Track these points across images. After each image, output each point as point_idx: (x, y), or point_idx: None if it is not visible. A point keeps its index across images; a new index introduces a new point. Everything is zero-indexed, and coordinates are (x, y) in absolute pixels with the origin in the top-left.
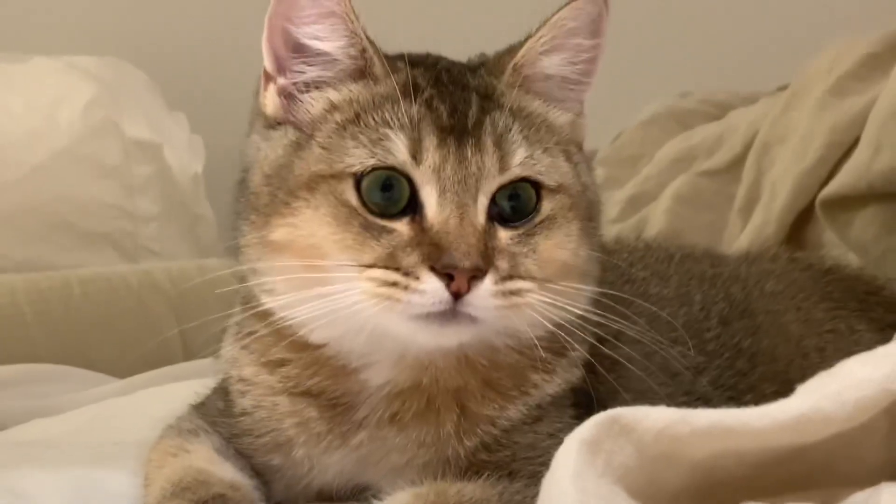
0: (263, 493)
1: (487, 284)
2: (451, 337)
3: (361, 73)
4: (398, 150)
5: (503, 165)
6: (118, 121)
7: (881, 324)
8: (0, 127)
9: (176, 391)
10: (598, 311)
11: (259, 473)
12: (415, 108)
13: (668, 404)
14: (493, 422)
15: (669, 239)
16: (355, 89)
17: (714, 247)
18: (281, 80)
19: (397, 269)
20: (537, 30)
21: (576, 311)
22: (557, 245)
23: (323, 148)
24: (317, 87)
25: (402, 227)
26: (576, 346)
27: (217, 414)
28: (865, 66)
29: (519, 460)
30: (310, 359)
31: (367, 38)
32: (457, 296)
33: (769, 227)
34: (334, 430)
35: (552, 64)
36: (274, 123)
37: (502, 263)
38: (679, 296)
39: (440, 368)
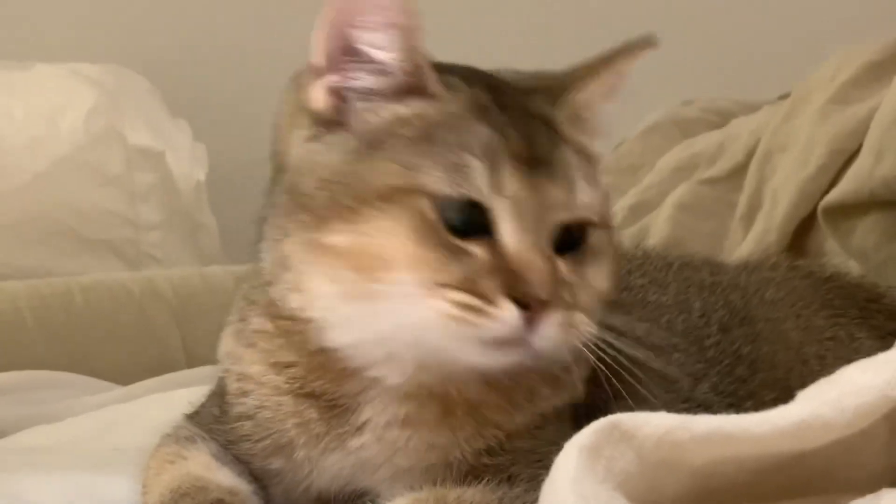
0: (262, 498)
1: (557, 316)
2: (510, 362)
3: (417, 89)
4: (478, 177)
5: (570, 201)
6: (120, 128)
7: (882, 331)
8: (2, 134)
9: (178, 398)
10: (610, 330)
11: (257, 479)
12: (489, 133)
13: (668, 411)
14: (501, 426)
15: (671, 247)
16: (421, 106)
17: (716, 255)
18: (332, 78)
19: (475, 294)
20: (596, 70)
21: (594, 331)
22: (602, 276)
23: (395, 162)
24: (373, 97)
25: (479, 250)
26: (584, 362)
27: (212, 421)
28: (867, 74)
29: (519, 465)
30: (318, 361)
31: (425, 55)
32: (529, 324)
33: (771, 234)
34: (331, 432)
35: (605, 107)
36: (323, 122)
37: (567, 295)
38: (678, 303)
39: (464, 379)
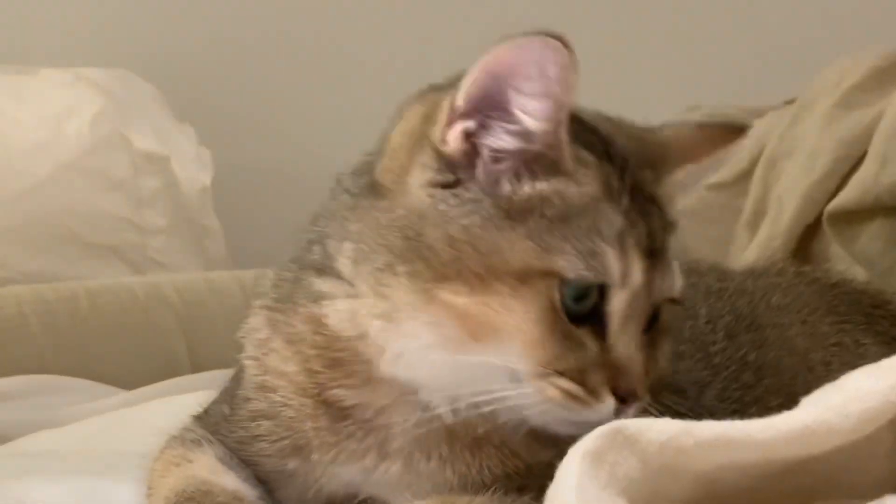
0: (267, 502)
1: (638, 405)
2: (582, 433)
3: (552, 162)
4: (611, 265)
5: (670, 288)
6: (126, 133)
7: (887, 337)
8: (7, 139)
9: (183, 402)
10: None
11: (264, 482)
12: (620, 219)
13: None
14: (525, 459)
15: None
16: (560, 184)
17: (721, 261)
18: (469, 125)
19: (583, 384)
20: (697, 156)
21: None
22: (668, 353)
23: (534, 242)
24: (507, 158)
25: (589, 340)
26: None
27: (221, 420)
28: (872, 80)
29: (534, 476)
30: (360, 382)
31: (567, 130)
32: (617, 413)
33: (776, 240)
34: (341, 444)
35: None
36: (450, 165)
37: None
38: (684, 309)
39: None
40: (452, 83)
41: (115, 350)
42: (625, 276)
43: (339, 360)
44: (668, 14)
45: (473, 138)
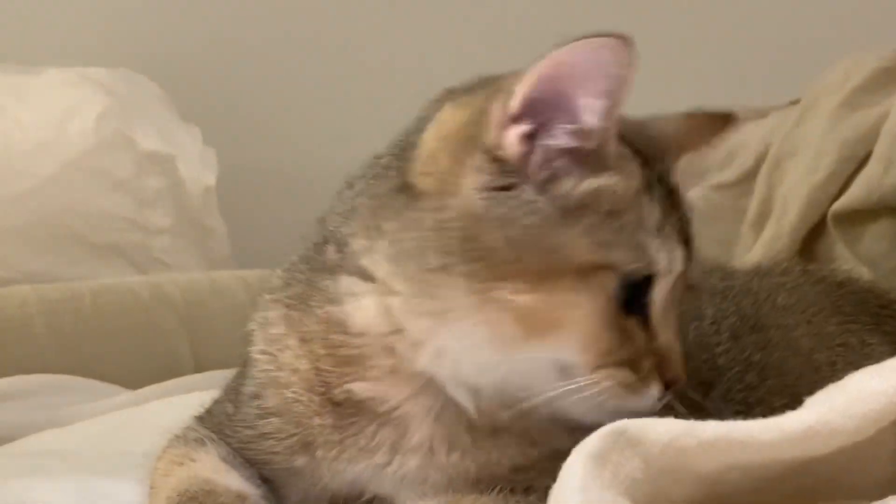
0: (271, 502)
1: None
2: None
3: (600, 159)
4: (658, 257)
5: (696, 275)
6: (130, 133)
7: (894, 337)
8: (11, 138)
9: (186, 402)
10: None
11: (268, 481)
12: (660, 211)
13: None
14: (540, 449)
15: None
16: (609, 179)
17: (726, 261)
18: (525, 128)
19: (636, 374)
20: (696, 145)
21: None
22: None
23: (591, 238)
24: (562, 159)
25: (637, 330)
26: None
27: (225, 419)
28: (877, 80)
29: (546, 468)
30: (378, 372)
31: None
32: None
33: (781, 240)
34: (345, 441)
35: None
36: (506, 169)
37: None
38: (689, 310)
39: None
40: (484, 84)
41: (117, 350)
42: (669, 264)
43: (358, 356)
44: (671, 15)
45: (530, 140)
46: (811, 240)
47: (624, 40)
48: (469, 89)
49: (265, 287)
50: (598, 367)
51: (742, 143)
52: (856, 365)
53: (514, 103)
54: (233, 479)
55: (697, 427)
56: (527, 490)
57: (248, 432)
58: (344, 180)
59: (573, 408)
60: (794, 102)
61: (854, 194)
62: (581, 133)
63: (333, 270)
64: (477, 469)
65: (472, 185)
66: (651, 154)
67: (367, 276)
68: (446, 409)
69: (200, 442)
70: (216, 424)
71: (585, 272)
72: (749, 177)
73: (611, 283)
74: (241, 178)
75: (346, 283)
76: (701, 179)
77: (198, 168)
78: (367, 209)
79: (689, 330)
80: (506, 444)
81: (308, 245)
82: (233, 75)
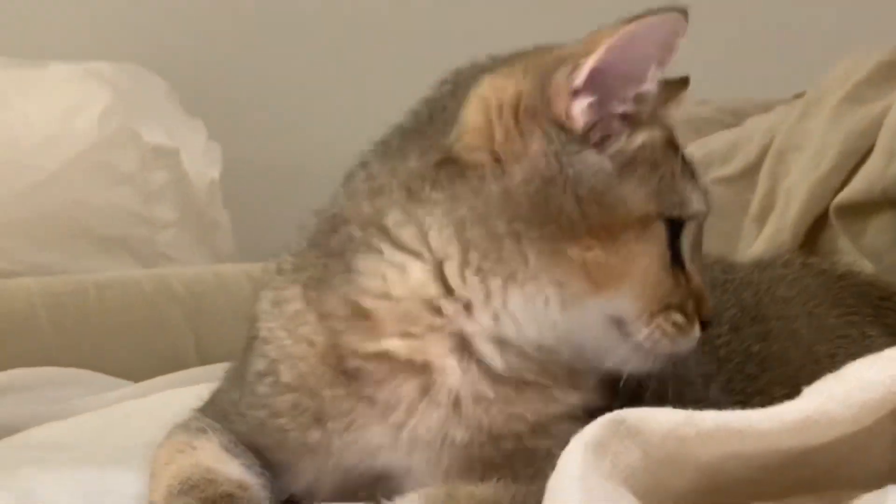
0: (271, 491)
1: None
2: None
3: (645, 116)
4: (691, 201)
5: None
6: (135, 127)
7: (895, 329)
8: (17, 133)
9: (189, 395)
10: None
11: (273, 466)
12: (680, 158)
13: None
14: (556, 405)
15: None
16: (649, 134)
17: (729, 254)
18: (591, 99)
19: (687, 315)
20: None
21: None
22: None
23: (645, 188)
24: (621, 122)
25: (680, 275)
26: None
27: (230, 407)
28: (881, 74)
29: (541, 459)
30: (420, 327)
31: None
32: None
33: (784, 234)
34: (355, 410)
35: None
36: (574, 138)
37: None
38: None
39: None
40: (524, 57)
41: (122, 343)
42: (699, 206)
43: (392, 321)
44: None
45: (593, 108)
46: (814, 233)
47: (685, 14)
48: (508, 61)
49: (272, 270)
50: (653, 315)
51: (746, 136)
52: (856, 356)
53: (582, 74)
54: (234, 468)
55: (697, 417)
56: (533, 478)
57: (259, 413)
58: (357, 163)
59: (624, 360)
60: (799, 96)
61: (856, 187)
62: (641, 99)
63: (357, 248)
64: (500, 424)
65: (538, 152)
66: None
67: (405, 247)
68: (476, 364)
69: (202, 430)
70: (219, 413)
71: (644, 222)
72: (753, 170)
73: (663, 231)
74: (246, 172)
75: (376, 257)
76: (705, 173)
77: (202, 162)
78: (399, 186)
79: None
80: (528, 399)
81: (312, 233)
82: (237, 70)
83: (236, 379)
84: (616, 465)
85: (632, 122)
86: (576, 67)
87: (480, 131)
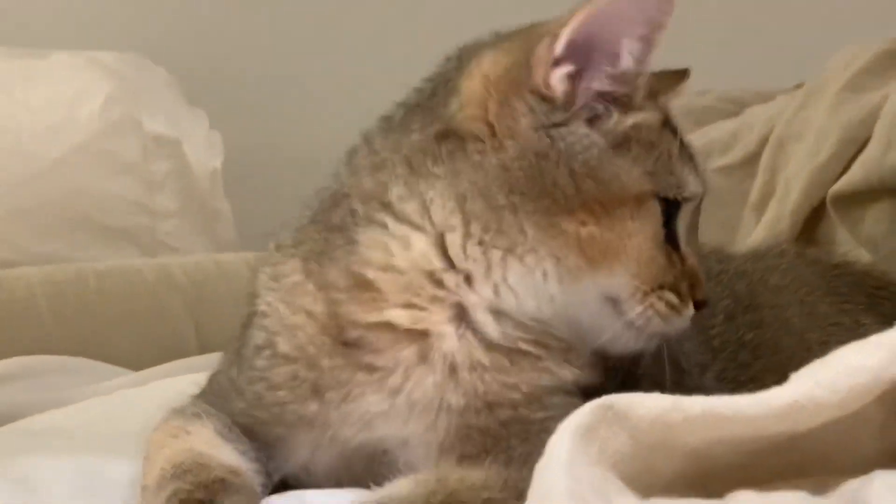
0: (265, 476)
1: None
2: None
3: (635, 96)
4: (686, 182)
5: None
6: (137, 116)
7: (890, 318)
8: (20, 122)
9: (187, 383)
10: None
11: (269, 447)
12: (677, 140)
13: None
14: (550, 376)
15: None
16: (645, 115)
17: (728, 243)
18: (569, 68)
19: (680, 295)
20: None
21: None
22: None
23: (641, 167)
24: (603, 99)
25: (673, 255)
26: None
27: (228, 385)
28: (881, 63)
29: (533, 438)
30: (423, 299)
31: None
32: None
33: (782, 223)
34: (354, 380)
35: None
36: (555, 108)
37: None
38: None
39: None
40: (524, 31)
41: (122, 331)
42: (695, 187)
43: (393, 291)
44: None
45: (574, 80)
46: (812, 223)
47: None
48: (508, 36)
49: (271, 248)
50: (647, 294)
51: (746, 125)
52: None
53: (559, 45)
54: (227, 453)
55: (684, 402)
56: (527, 460)
57: (257, 387)
58: (360, 139)
59: (617, 336)
60: (800, 86)
61: (854, 176)
62: (621, 74)
63: (359, 222)
64: (495, 391)
65: (528, 124)
66: (654, 91)
67: (408, 220)
68: (472, 332)
69: (197, 415)
70: (216, 395)
71: (639, 200)
72: (753, 159)
73: (658, 210)
74: (247, 162)
75: (379, 231)
76: (704, 162)
77: (204, 152)
78: (401, 160)
79: None
80: (522, 369)
81: (313, 211)
82: (239, 60)
83: (234, 356)
84: (604, 450)
85: (622, 103)
86: (555, 37)
87: (479, 103)
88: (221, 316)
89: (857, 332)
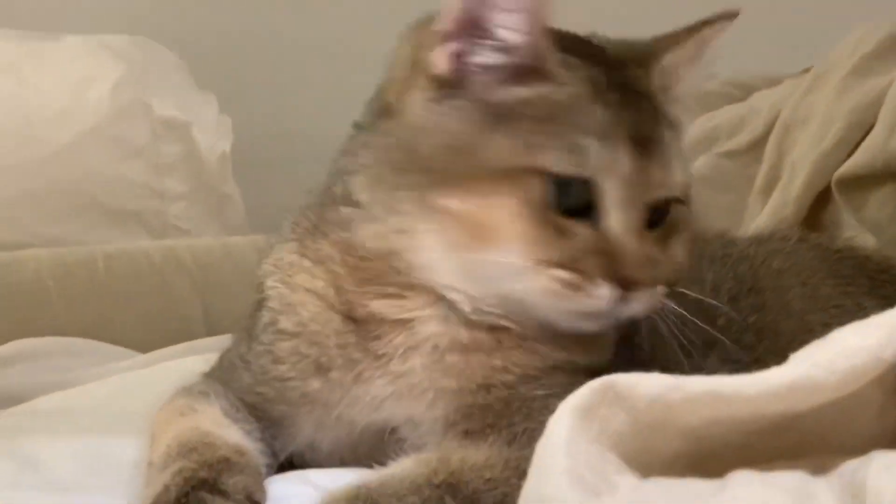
0: (270, 456)
1: (645, 293)
2: (597, 328)
3: (537, 70)
4: (595, 157)
5: (668, 181)
6: (147, 100)
7: (891, 301)
8: (30, 105)
9: (196, 364)
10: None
11: (275, 425)
12: (605, 114)
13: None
14: (544, 359)
15: None
16: (543, 88)
17: (734, 228)
18: (455, 46)
19: (577, 272)
20: (679, 37)
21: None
22: (682, 250)
23: (516, 141)
24: (492, 72)
25: (583, 230)
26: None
27: (238, 360)
28: (888, 47)
29: (536, 415)
30: (394, 289)
31: (549, 36)
32: (620, 300)
33: (788, 207)
34: (367, 359)
35: (690, 74)
36: (442, 85)
37: (653, 272)
38: (691, 277)
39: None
40: (430, 18)
41: (131, 313)
42: (611, 164)
43: (374, 277)
44: None
45: (462, 57)
46: (818, 207)
47: None
48: (418, 23)
49: (279, 235)
50: (538, 268)
51: (753, 110)
52: None
53: (442, 23)
54: (233, 433)
55: (684, 382)
56: (531, 438)
57: (263, 360)
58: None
59: (538, 310)
60: (808, 70)
61: (858, 160)
62: (503, 48)
63: (338, 203)
64: (487, 374)
65: (413, 101)
66: (626, 62)
67: (360, 206)
68: (452, 313)
69: (205, 394)
70: (225, 372)
71: (511, 176)
72: (759, 144)
73: (539, 185)
74: (257, 146)
75: (350, 212)
76: (711, 146)
77: (213, 135)
78: (358, 144)
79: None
80: (508, 349)
81: (320, 187)
82: (249, 44)
83: (243, 333)
84: (604, 430)
85: (517, 74)
86: (439, 18)
87: (395, 77)
88: (229, 299)
89: (858, 314)
